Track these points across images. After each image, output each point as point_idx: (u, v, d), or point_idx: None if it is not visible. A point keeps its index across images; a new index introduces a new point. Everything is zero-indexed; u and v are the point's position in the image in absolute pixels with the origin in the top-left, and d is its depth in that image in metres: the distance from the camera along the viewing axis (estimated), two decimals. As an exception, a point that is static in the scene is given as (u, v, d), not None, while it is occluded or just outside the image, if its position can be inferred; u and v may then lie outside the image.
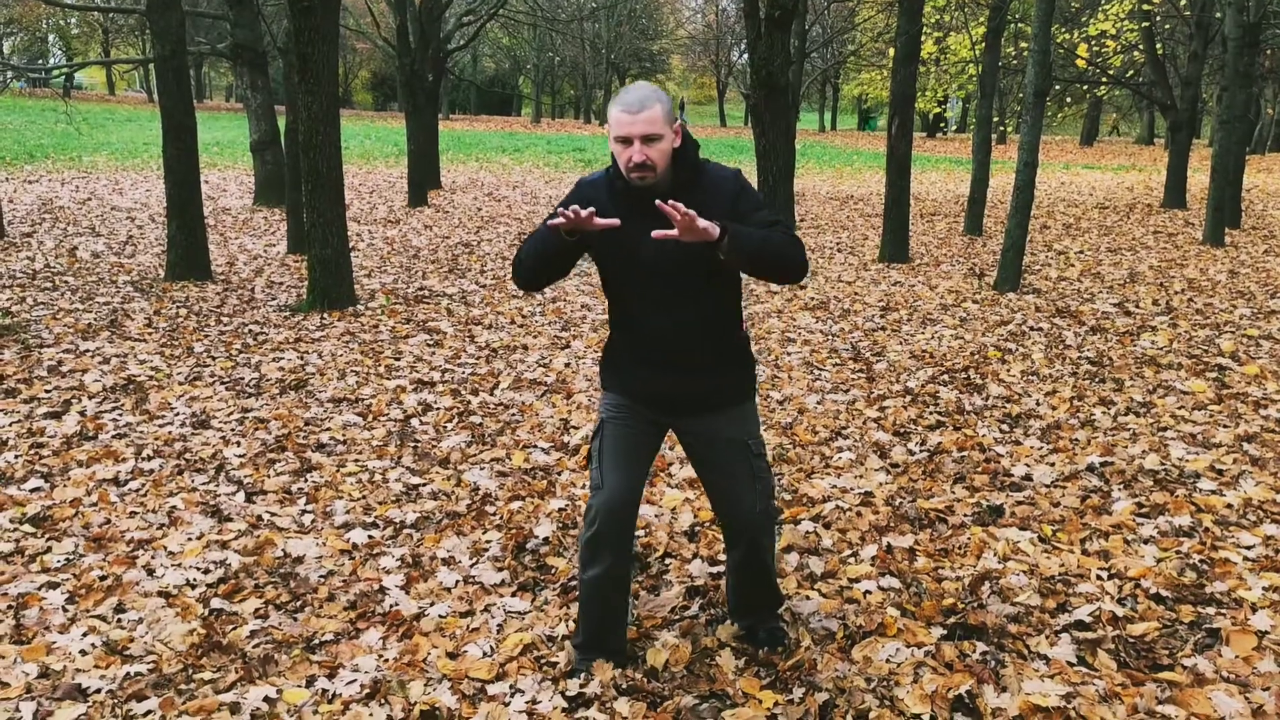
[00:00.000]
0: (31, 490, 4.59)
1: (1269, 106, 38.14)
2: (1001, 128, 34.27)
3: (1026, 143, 9.43)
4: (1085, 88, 26.67)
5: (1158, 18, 20.05)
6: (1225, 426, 5.45)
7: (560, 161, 26.59)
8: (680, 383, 2.94)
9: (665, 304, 2.86)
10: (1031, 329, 7.95)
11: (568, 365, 6.82)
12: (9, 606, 3.54)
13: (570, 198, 2.89)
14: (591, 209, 2.64)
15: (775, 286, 9.55)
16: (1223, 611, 3.47)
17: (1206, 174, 15.74)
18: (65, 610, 3.53)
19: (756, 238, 2.70)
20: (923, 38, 14.11)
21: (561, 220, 2.63)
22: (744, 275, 2.90)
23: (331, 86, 8.27)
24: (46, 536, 4.12)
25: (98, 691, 3.06)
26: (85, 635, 3.36)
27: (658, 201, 2.59)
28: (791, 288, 9.62)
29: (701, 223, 2.58)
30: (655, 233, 2.63)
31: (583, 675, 3.06)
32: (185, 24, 9.61)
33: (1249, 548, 3.96)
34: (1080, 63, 19.55)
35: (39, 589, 3.67)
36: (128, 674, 3.14)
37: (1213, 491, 4.54)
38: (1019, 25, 20.21)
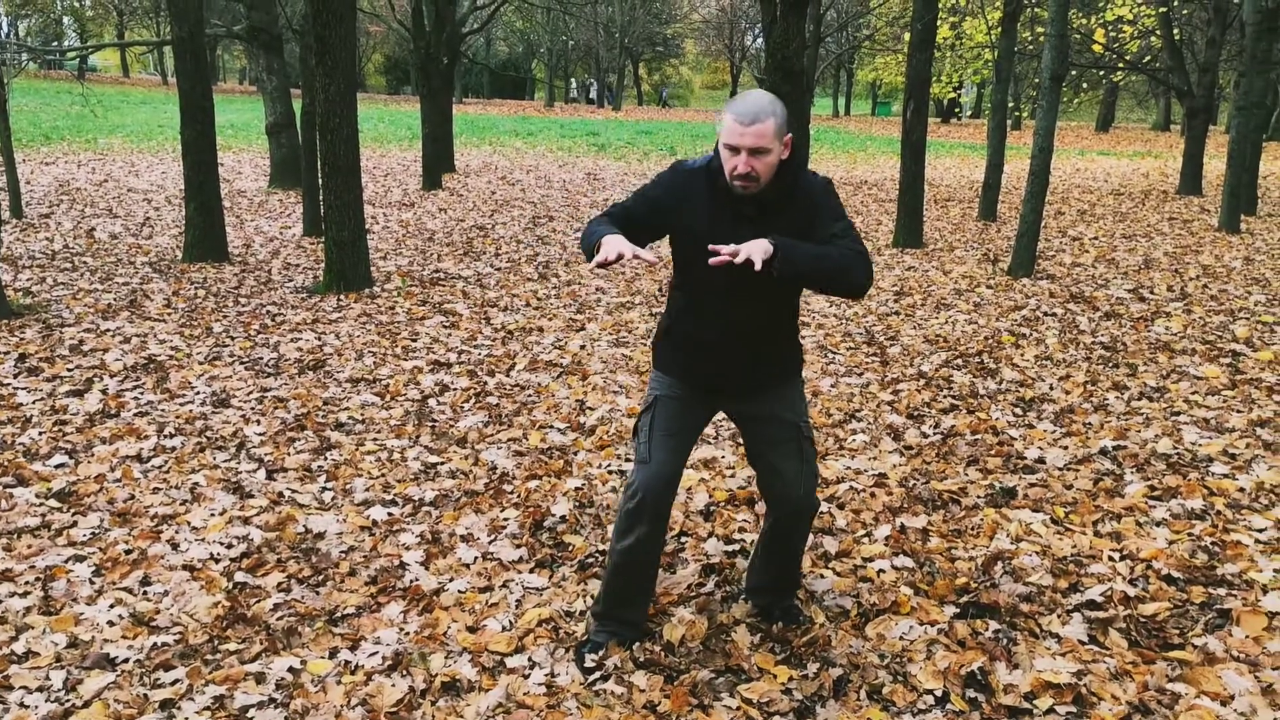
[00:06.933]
0: (56, 466, 4.66)
1: (1287, 93, 37.79)
2: (1017, 113, 34.11)
3: (1042, 128, 9.41)
4: (1101, 73, 26.49)
5: (1175, 2, 19.90)
6: (1238, 411, 5.46)
7: (574, 146, 26.57)
8: (740, 367, 2.97)
9: (740, 295, 2.86)
10: (1045, 314, 7.95)
11: (583, 347, 6.87)
12: (37, 578, 3.61)
13: (665, 180, 2.90)
14: (624, 255, 2.57)
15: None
16: (1234, 593, 3.51)
17: (1223, 160, 15.65)
18: (92, 583, 3.60)
19: (809, 256, 2.66)
20: (938, 22, 14.06)
21: (601, 259, 2.56)
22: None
23: (349, 69, 8.30)
24: (72, 511, 4.19)
25: (125, 661, 3.13)
26: (112, 607, 3.43)
27: (711, 245, 2.59)
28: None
29: (744, 255, 2.55)
30: (713, 260, 2.60)
31: (600, 652, 3.11)
32: (203, 5, 9.64)
33: (1260, 531, 3.99)
34: (1097, 48, 19.44)
35: (66, 562, 3.74)
36: (154, 644, 3.20)
37: (1225, 475, 4.57)
38: (1035, 10, 20.08)
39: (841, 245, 2.73)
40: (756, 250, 2.56)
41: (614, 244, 2.59)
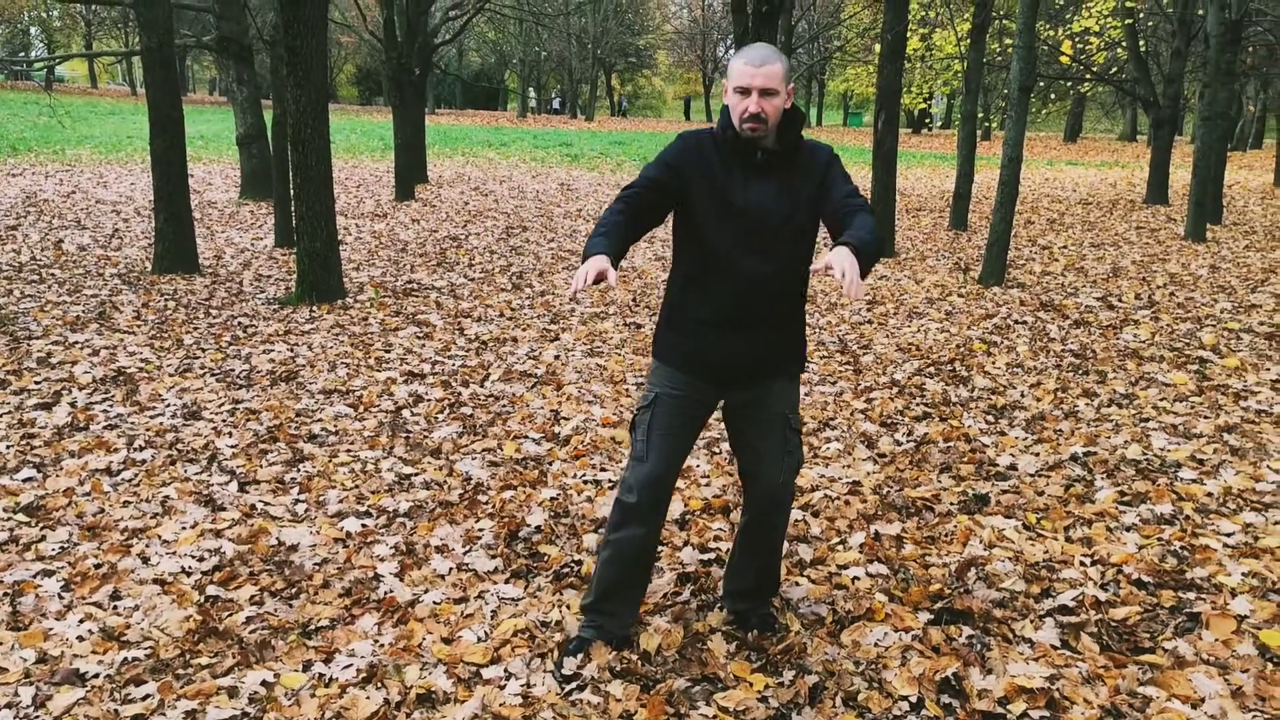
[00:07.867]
0: (24, 480, 4.60)
1: (1250, 103, 38.50)
2: (986, 124, 34.45)
3: (1011, 138, 9.51)
4: (1069, 84, 26.81)
5: (1141, 14, 20.20)
6: (1206, 417, 5.53)
7: (547, 156, 26.57)
8: (747, 347, 2.98)
9: (756, 252, 2.89)
10: (1016, 322, 8.03)
11: (557, 357, 6.86)
12: (5, 594, 3.56)
13: (676, 146, 2.95)
14: (601, 275, 2.56)
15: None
16: (1203, 596, 3.55)
17: (1188, 170, 15.88)
18: (61, 597, 3.56)
19: (868, 241, 2.63)
20: (908, 34, 14.19)
21: (584, 280, 2.53)
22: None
23: (320, 79, 8.27)
24: (40, 525, 4.13)
25: (96, 676, 3.08)
26: (82, 622, 3.38)
27: (813, 268, 2.56)
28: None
29: (849, 273, 2.47)
30: (814, 268, 2.56)
31: (583, 654, 3.11)
32: (172, 15, 9.57)
33: (1229, 535, 4.04)
34: (1064, 59, 19.68)
35: (34, 576, 3.69)
36: (125, 659, 3.17)
37: (1193, 480, 4.62)
38: (1004, 21, 20.31)
39: (858, 209, 2.80)
40: (849, 264, 2.48)
41: (594, 265, 2.57)
